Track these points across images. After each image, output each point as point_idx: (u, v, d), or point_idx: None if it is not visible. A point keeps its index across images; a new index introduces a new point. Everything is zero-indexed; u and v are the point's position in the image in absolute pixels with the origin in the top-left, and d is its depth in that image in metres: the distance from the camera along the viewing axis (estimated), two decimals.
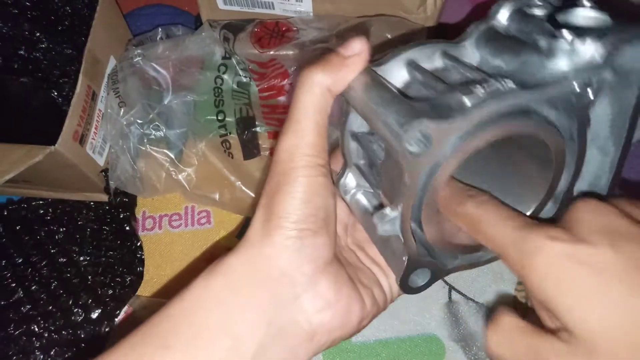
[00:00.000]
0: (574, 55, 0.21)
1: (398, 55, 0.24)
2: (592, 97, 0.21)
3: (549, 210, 0.25)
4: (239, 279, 0.23)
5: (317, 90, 0.23)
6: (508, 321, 0.20)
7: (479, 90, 0.20)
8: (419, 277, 0.25)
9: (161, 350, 0.21)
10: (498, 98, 0.20)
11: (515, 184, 0.25)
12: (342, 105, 0.25)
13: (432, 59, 0.24)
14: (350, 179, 0.27)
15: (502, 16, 0.24)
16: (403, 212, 0.22)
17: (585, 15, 0.22)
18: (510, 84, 0.20)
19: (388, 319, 0.45)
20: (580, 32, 0.21)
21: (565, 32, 0.21)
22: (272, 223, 0.23)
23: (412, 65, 0.24)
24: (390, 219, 0.23)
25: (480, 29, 0.24)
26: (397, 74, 0.24)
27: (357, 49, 0.23)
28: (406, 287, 0.25)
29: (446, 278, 0.47)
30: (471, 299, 0.46)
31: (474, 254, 0.26)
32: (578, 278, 0.17)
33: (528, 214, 0.24)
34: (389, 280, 0.27)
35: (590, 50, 0.20)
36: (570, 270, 0.18)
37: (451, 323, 0.45)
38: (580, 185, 0.24)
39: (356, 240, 0.28)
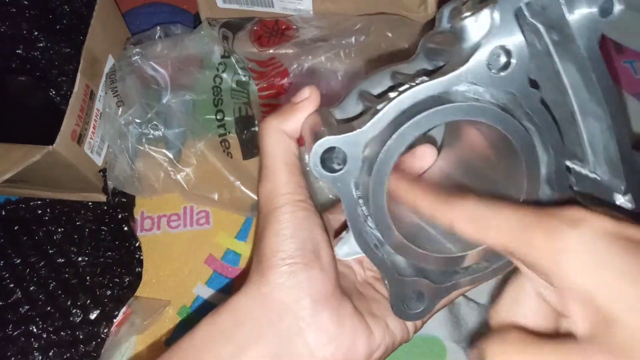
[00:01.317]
0: (477, 28, 0.21)
1: (351, 92, 0.25)
2: (513, 61, 0.21)
3: (547, 195, 0.24)
4: (244, 315, 0.24)
5: (276, 135, 0.25)
6: (516, 335, 0.18)
7: (392, 94, 0.21)
8: (418, 301, 0.25)
9: None
10: (407, 95, 0.21)
11: (497, 182, 0.25)
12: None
13: (382, 83, 0.25)
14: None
15: (444, 20, 0.24)
16: (378, 226, 0.23)
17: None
18: (424, 79, 0.21)
19: None
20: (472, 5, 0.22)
21: (464, 7, 0.22)
22: (264, 264, 0.24)
23: (363, 95, 0.25)
24: (374, 236, 0.24)
25: (427, 39, 0.25)
26: (352, 108, 0.25)
27: (306, 95, 0.25)
28: (402, 312, 0.25)
29: None
30: (472, 300, 0.46)
31: (473, 266, 0.25)
32: (629, 259, 0.14)
33: None
34: None
35: (486, 16, 0.21)
36: (619, 248, 0.14)
37: (452, 324, 0.45)
38: (597, 161, 0.22)
39: (372, 274, 0.29)
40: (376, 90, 0.25)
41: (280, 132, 0.25)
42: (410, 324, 0.27)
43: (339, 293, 0.25)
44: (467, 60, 0.21)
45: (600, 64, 0.20)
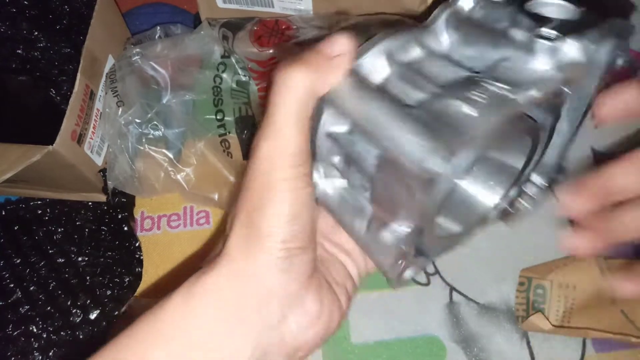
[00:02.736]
0: (555, 53, 0.21)
1: (374, 47, 0.22)
2: (569, 92, 0.21)
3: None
4: (226, 299, 0.21)
5: (300, 93, 0.20)
6: None
7: (478, 97, 0.20)
8: (410, 271, 0.25)
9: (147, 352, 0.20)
10: (498, 105, 0.19)
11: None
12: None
13: (407, 49, 0.23)
14: (317, 173, 0.25)
15: (465, 1, 0.23)
16: (415, 228, 0.22)
17: (553, 3, 0.22)
18: (502, 85, 0.20)
19: (389, 320, 0.45)
20: (557, 27, 0.21)
21: (545, 30, 0.21)
22: (255, 242, 0.21)
23: (391, 59, 0.23)
24: (398, 232, 0.23)
25: (446, 13, 0.24)
26: (376, 69, 0.22)
27: (343, 48, 0.21)
28: (400, 283, 0.25)
29: (447, 279, 0.47)
30: (472, 300, 0.46)
31: (447, 237, 0.26)
32: None
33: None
34: (356, 263, 0.27)
35: (572, 49, 0.20)
36: None
37: (452, 324, 0.45)
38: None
39: (320, 231, 0.26)
40: (404, 57, 0.23)
41: (306, 89, 0.20)
42: (357, 281, 0.27)
43: (317, 269, 0.23)
44: (540, 84, 0.20)
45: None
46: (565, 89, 0.21)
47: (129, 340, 0.21)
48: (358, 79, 0.22)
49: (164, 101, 0.48)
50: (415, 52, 0.23)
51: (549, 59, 0.21)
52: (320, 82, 0.21)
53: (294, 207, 0.21)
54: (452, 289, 0.46)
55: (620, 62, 0.21)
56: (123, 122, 0.47)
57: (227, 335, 0.21)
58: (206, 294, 0.21)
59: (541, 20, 0.21)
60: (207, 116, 0.48)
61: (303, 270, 0.22)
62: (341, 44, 0.21)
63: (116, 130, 0.47)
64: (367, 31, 0.47)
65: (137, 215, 0.50)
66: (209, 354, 0.20)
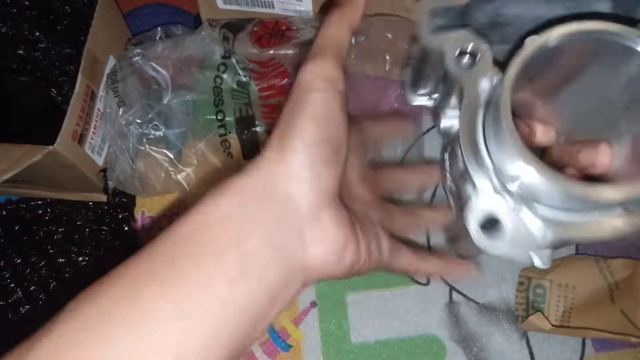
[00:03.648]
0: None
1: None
2: None
3: None
4: (247, 198, 0.22)
5: (340, 24, 0.25)
6: None
7: None
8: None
9: (170, 265, 0.21)
10: None
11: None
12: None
13: None
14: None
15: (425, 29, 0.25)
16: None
17: None
18: None
19: (388, 320, 0.45)
20: None
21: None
22: (286, 142, 0.22)
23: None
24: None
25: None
26: None
27: None
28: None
29: (447, 279, 0.47)
30: (472, 300, 0.46)
31: None
32: None
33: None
34: (390, 244, 0.27)
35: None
36: None
37: (452, 324, 0.45)
38: None
39: (367, 197, 0.28)
40: None
41: (344, 21, 0.25)
42: (385, 258, 0.27)
43: (340, 199, 0.24)
44: None
45: None
46: None
47: (167, 235, 0.22)
48: None
49: (165, 101, 0.48)
50: None
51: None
52: (351, 15, 0.25)
53: (324, 115, 0.23)
54: (452, 288, 0.46)
55: None
56: (124, 123, 0.47)
57: (249, 230, 0.22)
58: (230, 193, 0.22)
59: None
60: (208, 116, 0.48)
61: (322, 183, 0.23)
62: None
63: (117, 130, 0.47)
64: (367, 31, 0.48)
65: (137, 215, 0.50)
66: (237, 244, 0.21)
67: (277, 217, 0.22)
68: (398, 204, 0.31)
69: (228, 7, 0.51)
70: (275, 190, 0.22)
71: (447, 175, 0.26)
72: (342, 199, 0.25)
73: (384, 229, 0.28)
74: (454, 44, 0.23)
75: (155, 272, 0.20)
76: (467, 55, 0.23)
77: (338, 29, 0.25)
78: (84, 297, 0.21)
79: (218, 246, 0.21)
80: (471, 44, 0.23)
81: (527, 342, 0.44)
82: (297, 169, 0.22)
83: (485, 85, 0.23)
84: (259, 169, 0.23)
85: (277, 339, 0.45)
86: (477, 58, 0.23)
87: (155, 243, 0.22)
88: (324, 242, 0.23)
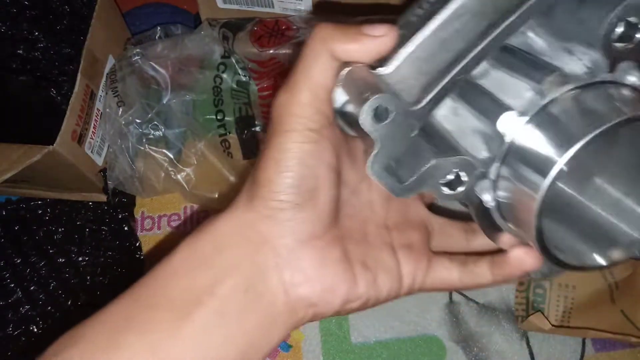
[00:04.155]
0: None
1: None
2: None
3: None
4: (224, 241, 0.22)
5: (326, 51, 0.21)
6: None
7: None
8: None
9: (147, 310, 0.21)
10: None
11: None
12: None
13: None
14: None
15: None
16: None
17: None
18: None
19: (388, 320, 0.45)
20: None
21: None
22: (255, 190, 0.22)
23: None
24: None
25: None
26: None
27: (381, 32, 0.21)
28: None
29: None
30: (472, 300, 0.46)
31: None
32: None
33: None
34: (417, 269, 0.26)
35: None
36: None
37: (452, 324, 0.45)
38: None
39: (396, 219, 0.27)
40: None
41: (333, 49, 0.21)
42: (407, 286, 0.25)
43: (331, 237, 0.23)
44: None
45: None
46: None
47: (148, 279, 0.23)
48: None
49: (165, 101, 0.48)
50: None
51: None
52: (347, 45, 0.21)
53: (292, 159, 0.22)
54: None
55: None
56: (123, 122, 0.47)
57: (226, 274, 0.22)
58: (208, 236, 0.23)
59: None
60: (208, 116, 0.48)
61: (298, 227, 0.22)
62: (379, 30, 0.21)
63: (116, 130, 0.47)
64: None
65: (137, 215, 0.50)
66: (214, 289, 0.22)
67: (253, 261, 0.22)
68: (451, 215, 0.29)
69: (228, 6, 0.50)
70: (249, 232, 0.22)
71: None
72: (345, 234, 0.24)
73: (413, 249, 0.26)
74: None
75: (133, 319, 0.21)
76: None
77: (327, 57, 0.21)
78: (64, 343, 0.22)
79: (194, 292, 0.21)
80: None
81: (527, 342, 0.44)
82: (267, 214, 0.22)
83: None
84: (236, 211, 0.23)
85: None
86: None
87: (136, 287, 0.22)
88: (307, 284, 0.22)
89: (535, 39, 0.22)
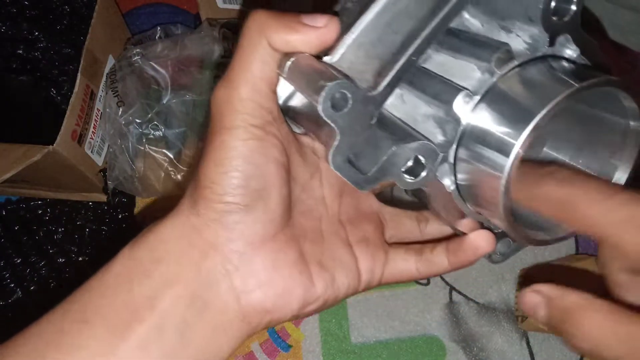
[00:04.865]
0: None
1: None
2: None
3: None
4: (166, 250, 0.21)
5: (263, 39, 0.20)
6: (603, 304, 0.18)
7: None
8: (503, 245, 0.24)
9: (79, 325, 0.20)
10: None
11: (602, 144, 0.23)
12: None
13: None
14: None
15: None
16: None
17: None
18: None
19: (388, 320, 0.45)
20: None
21: None
22: (198, 193, 0.21)
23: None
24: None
25: None
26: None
27: (321, 23, 0.20)
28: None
29: (447, 279, 0.47)
30: (472, 300, 0.46)
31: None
32: None
33: (624, 179, 0.22)
34: (374, 263, 0.25)
35: None
36: None
37: (452, 324, 0.45)
38: None
39: (349, 214, 0.25)
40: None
41: (272, 40, 0.20)
42: (365, 282, 0.24)
43: (284, 237, 0.22)
44: None
45: None
46: None
47: (82, 292, 0.21)
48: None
49: (165, 101, 0.48)
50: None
51: None
52: (287, 34, 0.20)
53: (236, 158, 0.20)
54: (452, 288, 0.46)
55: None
56: (123, 122, 0.47)
57: (166, 285, 0.20)
58: (147, 245, 0.21)
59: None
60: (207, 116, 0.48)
61: (248, 230, 0.21)
62: (320, 20, 0.20)
63: (116, 130, 0.47)
64: None
65: (137, 215, 0.50)
66: (152, 303, 0.20)
67: (199, 269, 0.21)
68: (402, 205, 0.28)
69: (228, 6, 0.50)
70: (194, 239, 0.21)
71: None
72: (300, 232, 0.23)
73: (369, 243, 0.25)
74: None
75: (64, 335, 0.20)
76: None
77: (264, 45, 0.20)
78: None
79: (131, 306, 0.20)
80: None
81: (527, 342, 0.44)
82: (213, 217, 0.20)
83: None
84: (179, 216, 0.21)
85: (277, 339, 0.45)
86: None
87: (69, 300, 0.21)
88: (260, 290, 0.21)
89: (471, 21, 0.22)
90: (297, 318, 0.23)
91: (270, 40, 0.20)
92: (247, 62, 0.20)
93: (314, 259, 0.23)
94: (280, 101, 0.23)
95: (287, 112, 0.23)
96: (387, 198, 0.29)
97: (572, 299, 0.19)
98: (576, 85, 0.18)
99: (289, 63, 0.20)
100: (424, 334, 0.45)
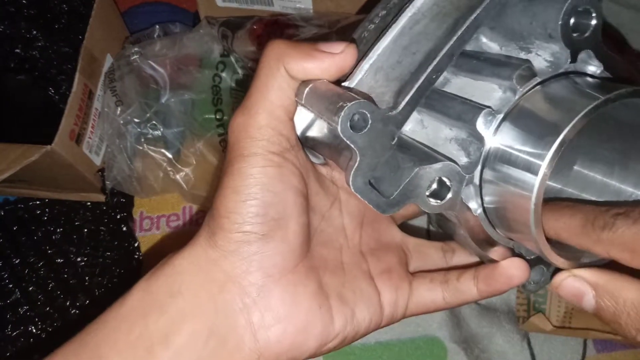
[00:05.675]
0: None
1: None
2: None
3: None
4: (182, 283, 0.20)
5: (281, 68, 0.20)
6: None
7: None
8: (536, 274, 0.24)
9: None
10: None
11: (634, 159, 0.22)
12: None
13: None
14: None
15: None
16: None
17: None
18: None
19: None
20: None
21: None
22: (215, 222, 0.20)
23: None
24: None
25: None
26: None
27: (339, 49, 0.20)
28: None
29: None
30: None
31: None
32: None
33: None
34: (398, 296, 0.24)
35: None
36: None
37: (453, 325, 0.45)
38: None
39: (371, 245, 0.25)
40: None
41: (290, 67, 0.20)
42: (388, 316, 0.23)
43: (304, 268, 0.21)
44: None
45: None
46: None
47: (97, 326, 0.21)
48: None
49: (163, 101, 0.48)
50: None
51: None
52: (304, 62, 0.20)
53: (254, 186, 0.20)
54: None
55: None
56: (122, 122, 0.47)
57: (183, 320, 0.20)
58: (164, 278, 0.21)
59: None
60: (207, 115, 0.48)
61: (267, 261, 0.20)
62: (337, 47, 0.20)
63: (115, 129, 0.47)
64: None
65: (136, 215, 0.50)
66: (168, 339, 0.20)
67: (215, 301, 0.20)
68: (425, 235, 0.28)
69: (227, 4, 0.50)
70: (212, 272, 0.20)
71: None
72: (320, 264, 0.22)
73: (392, 275, 0.24)
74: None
75: None
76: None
77: (282, 74, 0.20)
78: None
79: (146, 341, 0.20)
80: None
81: (529, 343, 0.44)
82: (231, 249, 0.20)
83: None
84: (196, 248, 0.21)
85: None
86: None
87: (84, 333, 0.21)
88: (276, 325, 0.20)
89: (489, 44, 0.22)
90: (314, 357, 0.22)
91: (288, 68, 0.20)
92: (265, 90, 0.20)
93: (334, 292, 0.22)
94: (299, 132, 0.23)
95: (305, 142, 0.23)
96: (407, 229, 0.28)
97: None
98: (602, 97, 0.18)
99: (307, 90, 0.20)
100: (425, 335, 0.44)
